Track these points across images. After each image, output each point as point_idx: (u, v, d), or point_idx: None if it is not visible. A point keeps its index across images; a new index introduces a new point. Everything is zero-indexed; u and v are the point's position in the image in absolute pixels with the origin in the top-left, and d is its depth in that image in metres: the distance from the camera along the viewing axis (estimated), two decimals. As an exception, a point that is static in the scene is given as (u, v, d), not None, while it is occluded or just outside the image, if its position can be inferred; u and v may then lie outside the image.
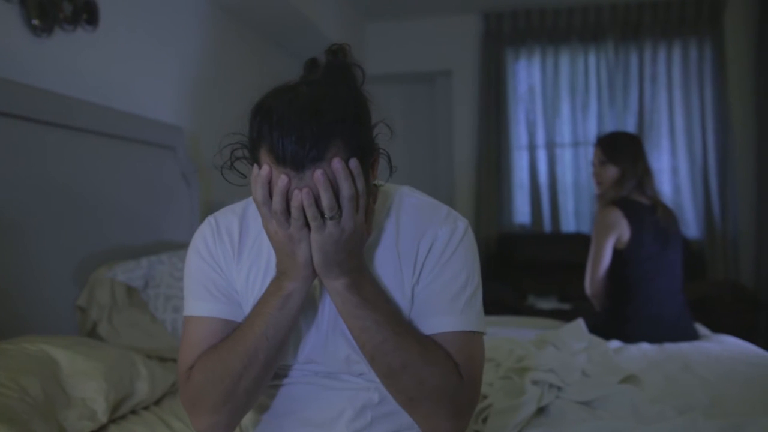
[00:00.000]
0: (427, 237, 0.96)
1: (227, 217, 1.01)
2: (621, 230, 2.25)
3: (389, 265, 0.97)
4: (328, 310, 0.96)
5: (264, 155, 0.83)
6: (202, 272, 0.98)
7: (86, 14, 2.10)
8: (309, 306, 0.97)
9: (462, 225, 0.99)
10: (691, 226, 4.19)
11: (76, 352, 1.37)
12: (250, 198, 1.00)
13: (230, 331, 0.96)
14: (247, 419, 1.07)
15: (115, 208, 2.12)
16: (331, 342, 0.96)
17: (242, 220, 1.01)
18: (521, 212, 4.50)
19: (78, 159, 1.95)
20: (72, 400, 1.28)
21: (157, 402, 1.48)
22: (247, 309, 0.96)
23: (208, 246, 0.99)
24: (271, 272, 0.94)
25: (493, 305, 3.22)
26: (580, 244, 3.40)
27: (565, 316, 2.92)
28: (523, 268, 4.15)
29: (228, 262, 0.98)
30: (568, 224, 4.43)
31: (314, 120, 0.79)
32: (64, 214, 1.87)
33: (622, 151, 2.30)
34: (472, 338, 0.96)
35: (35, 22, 1.88)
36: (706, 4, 4.11)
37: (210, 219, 1.02)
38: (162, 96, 2.55)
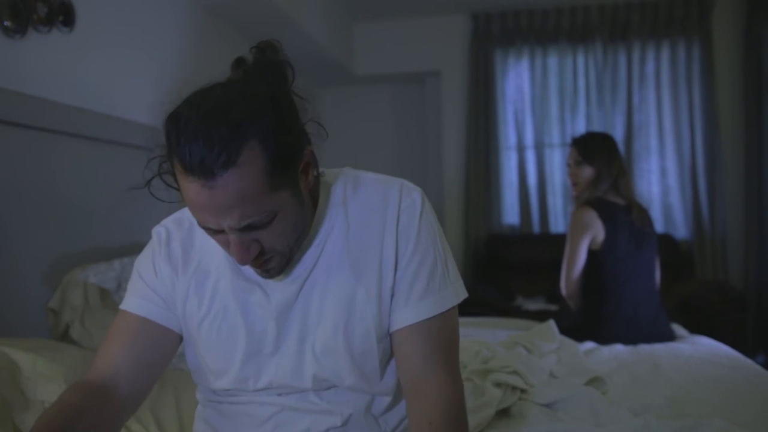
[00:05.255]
0: (388, 232, 0.91)
1: (175, 227, 1.01)
2: (595, 231, 2.25)
3: (339, 272, 0.91)
4: (297, 328, 0.92)
5: (176, 165, 0.76)
6: (141, 272, 0.99)
7: (62, 15, 2.09)
8: (265, 330, 0.93)
9: (418, 197, 0.94)
10: (679, 226, 4.19)
11: (37, 354, 1.37)
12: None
13: (150, 331, 0.97)
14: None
15: (92, 210, 2.11)
16: (299, 362, 0.93)
17: (189, 233, 0.99)
18: (510, 213, 4.49)
19: (53, 161, 1.94)
20: (31, 403, 1.28)
21: (121, 404, 1.47)
22: (185, 323, 0.98)
23: (154, 253, 0.99)
24: (216, 296, 0.94)
25: (481, 306, 3.23)
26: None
27: (551, 318, 2.91)
28: (512, 269, 4.13)
29: (171, 273, 0.97)
30: (557, 225, 4.41)
31: (222, 121, 0.73)
32: (38, 216, 1.87)
33: (597, 152, 2.31)
34: (446, 317, 0.92)
35: (7, 23, 1.87)
36: (694, 5, 4.10)
37: (160, 229, 1.01)
38: (141, 97, 2.54)
